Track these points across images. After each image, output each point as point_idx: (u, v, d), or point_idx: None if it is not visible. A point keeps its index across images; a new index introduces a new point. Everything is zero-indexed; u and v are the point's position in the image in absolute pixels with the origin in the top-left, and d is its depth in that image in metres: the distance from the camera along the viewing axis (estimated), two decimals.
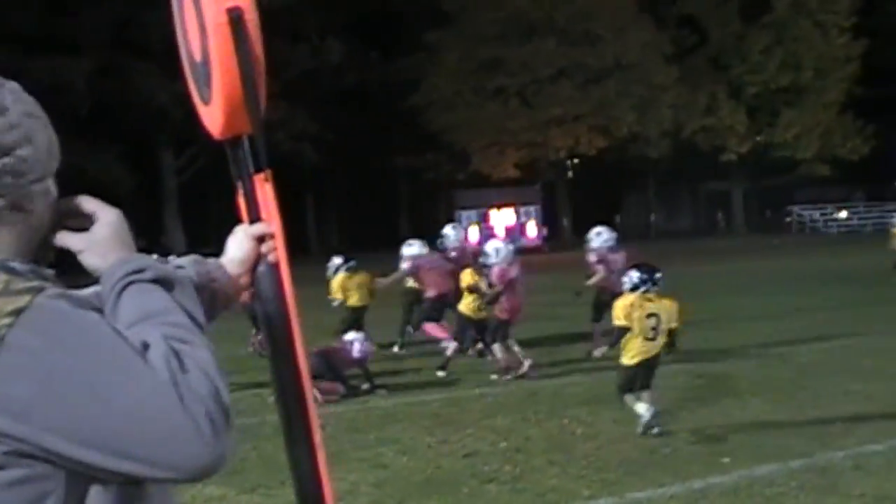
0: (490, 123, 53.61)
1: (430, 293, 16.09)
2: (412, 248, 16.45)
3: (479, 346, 14.99)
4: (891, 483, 7.97)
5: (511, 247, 14.78)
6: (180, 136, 50.94)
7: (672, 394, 11.60)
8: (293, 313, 2.42)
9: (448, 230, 17.14)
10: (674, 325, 10.28)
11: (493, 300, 13.91)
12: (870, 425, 9.96)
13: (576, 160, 61.09)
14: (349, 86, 52.92)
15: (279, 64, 49.47)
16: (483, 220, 53.15)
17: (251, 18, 2.30)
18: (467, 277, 14.36)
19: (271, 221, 2.61)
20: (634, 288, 10.39)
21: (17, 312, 1.68)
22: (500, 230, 52.00)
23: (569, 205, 61.14)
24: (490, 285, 13.99)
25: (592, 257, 15.66)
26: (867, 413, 10.49)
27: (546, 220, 56.37)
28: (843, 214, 65.38)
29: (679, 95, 56.60)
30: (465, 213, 52.43)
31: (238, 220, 2.61)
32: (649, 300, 10.24)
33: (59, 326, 1.69)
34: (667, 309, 10.24)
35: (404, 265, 16.43)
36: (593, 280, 15.57)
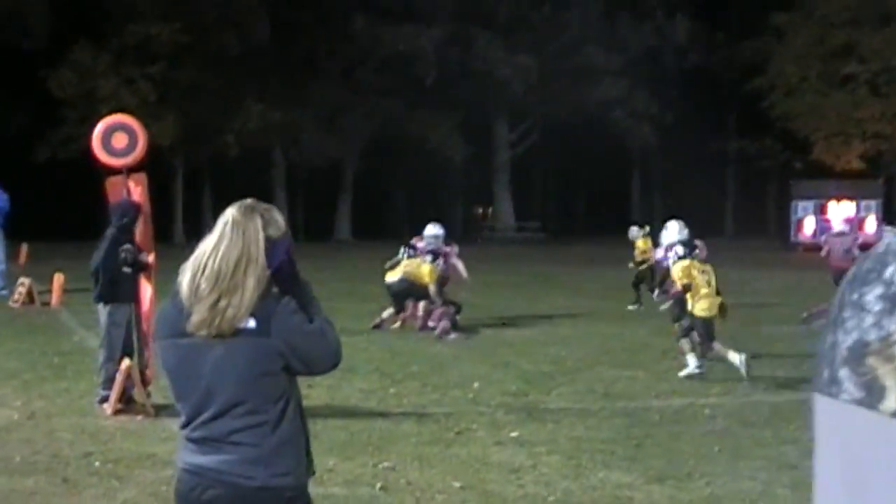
0: (836, 112, 51.38)
1: None
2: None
3: None
4: None
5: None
6: (516, 109, 51.73)
7: None
8: None
9: None
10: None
11: None
12: None
13: None
14: (691, 66, 52.05)
15: (622, 41, 49.36)
16: (820, 212, 51.10)
17: None
18: None
19: None
20: (682, 257, 13.00)
21: None
22: (837, 223, 49.88)
23: None
24: None
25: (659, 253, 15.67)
26: None
27: (886, 217, 53.58)
28: None
29: None
30: (801, 204, 50.57)
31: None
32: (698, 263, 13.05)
33: None
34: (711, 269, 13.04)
35: None
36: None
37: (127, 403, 9.48)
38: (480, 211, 64.97)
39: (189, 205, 47.69)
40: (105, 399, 9.56)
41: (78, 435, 8.73)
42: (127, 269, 9.69)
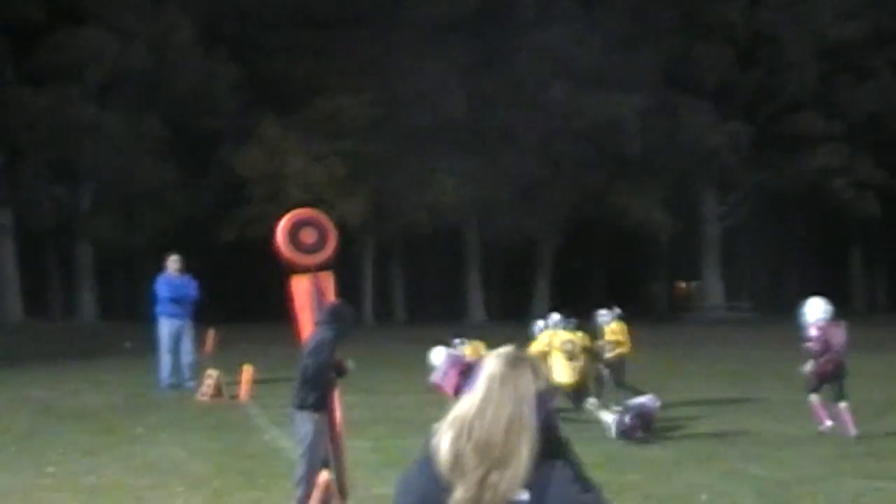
0: None
1: None
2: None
3: None
4: None
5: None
6: (726, 179, 50.73)
7: None
8: None
9: None
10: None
11: None
12: None
13: None
14: None
15: (843, 105, 47.94)
16: None
17: None
18: None
19: None
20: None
21: None
22: None
23: None
24: None
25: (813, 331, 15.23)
26: None
27: None
28: None
29: None
30: None
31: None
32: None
33: None
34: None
35: None
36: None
37: None
38: (684, 286, 63.91)
39: (378, 284, 48.09)
40: None
41: None
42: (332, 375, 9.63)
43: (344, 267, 10.35)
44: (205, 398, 18.25)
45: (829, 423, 14.70)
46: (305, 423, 9.49)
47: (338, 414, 9.89)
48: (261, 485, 11.25)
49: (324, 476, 9.17)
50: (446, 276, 49.78)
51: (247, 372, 18.95)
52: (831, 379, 14.89)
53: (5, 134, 41.11)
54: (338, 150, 42.41)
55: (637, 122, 44.65)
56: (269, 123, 42.59)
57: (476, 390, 3.11)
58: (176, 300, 19.99)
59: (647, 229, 48.06)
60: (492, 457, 3.01)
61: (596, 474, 10.74)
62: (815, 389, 15.04)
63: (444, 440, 3.08)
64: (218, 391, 18.37)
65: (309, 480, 9.30)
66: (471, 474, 3.01)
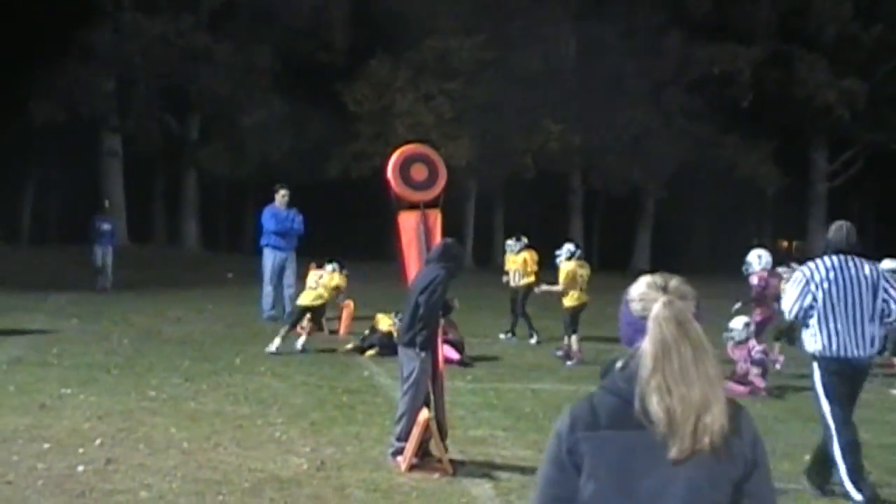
0: None
1: None
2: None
3: None
4: None
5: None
6: (838, 137, 49.59)
7: None
8: None
9: None
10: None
11: None
12: None
13: None
14: None
15: None
16: None
17: None
18: None
19: None
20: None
21: None
22: None
23: None
24: None
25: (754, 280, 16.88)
26: None
27: None
28: None
29: None
30: None
31: None
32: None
33: None
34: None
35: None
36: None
37: (422, 458, 9.15)
38: (785, 245, 62.86)
39: (480, 228, 47.90)
40: (399, 452, 9.25)
41: (371, 493, 8.39)
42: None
43: (447, 209, 10.15)
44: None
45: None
46: (412, 361, 9.39)
47: (440, 354, 9.80)
48: (359, 420, 11.24)
49: (424, 415, 9.11)
50: (548, 223, 49.41)
51: (347, 308, 18.99)
52: (767, 326, 16.74)
53: (118, 61, 41.42)
54: (446, 91, 42.13)
55: (750, 73, 43.77)
56: (380, 61, 42.45)
57: (651, 340, 2.96)
58: (281, 233, 20.06)
59: (754, 184, 47.17)
60: (696, 404, 2.92)
61: None
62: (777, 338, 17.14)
63: (652, 405, 2.95)
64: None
65: (410, 418, 9.24)
66: (683, 426, 2.92)
